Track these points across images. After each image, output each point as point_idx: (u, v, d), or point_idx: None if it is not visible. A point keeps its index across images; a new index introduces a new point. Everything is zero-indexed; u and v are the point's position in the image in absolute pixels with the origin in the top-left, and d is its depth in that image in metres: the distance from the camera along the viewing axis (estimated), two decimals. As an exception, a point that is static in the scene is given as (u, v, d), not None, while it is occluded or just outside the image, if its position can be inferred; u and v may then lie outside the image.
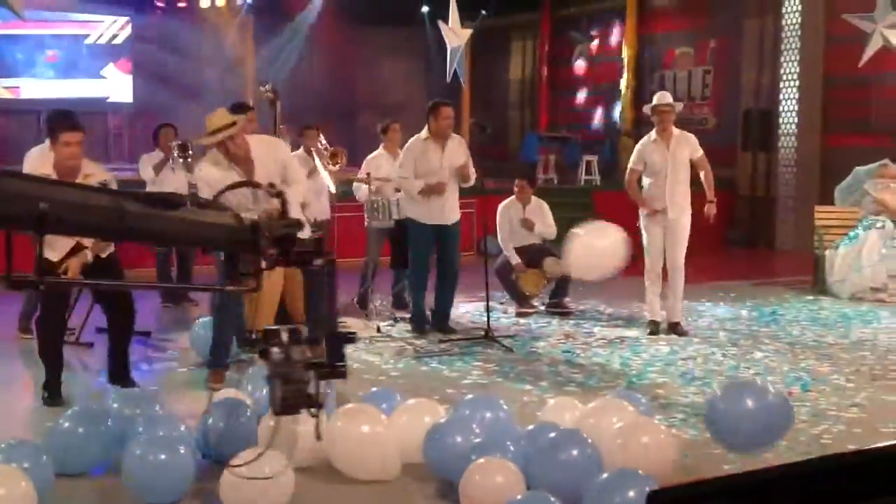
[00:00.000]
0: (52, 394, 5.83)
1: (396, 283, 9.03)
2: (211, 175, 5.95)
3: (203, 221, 2.73)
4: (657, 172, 7.79)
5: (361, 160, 9.10)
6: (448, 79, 14.19)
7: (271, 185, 5.82)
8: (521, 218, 8.95)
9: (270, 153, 6.10)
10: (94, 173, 5.65)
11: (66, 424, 4.60)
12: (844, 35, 13.66)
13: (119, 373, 6.05)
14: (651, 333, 7.83)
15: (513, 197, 9.15)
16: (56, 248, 5.52)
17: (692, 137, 7.95)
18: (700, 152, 7.91)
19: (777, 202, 14.54)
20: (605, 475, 3.87)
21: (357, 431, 4.51)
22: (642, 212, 7.88)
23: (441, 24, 14.22)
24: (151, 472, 4.12)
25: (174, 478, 4.17)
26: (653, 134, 7.91)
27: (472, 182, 7.89)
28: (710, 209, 7.91)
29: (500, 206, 9.12)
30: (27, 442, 4.42)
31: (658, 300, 7.94)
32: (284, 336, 2.83)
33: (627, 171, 8.11)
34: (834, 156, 13.60)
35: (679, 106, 8.10)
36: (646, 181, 7.92)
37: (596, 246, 6.72)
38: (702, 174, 7.95)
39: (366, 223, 8.71)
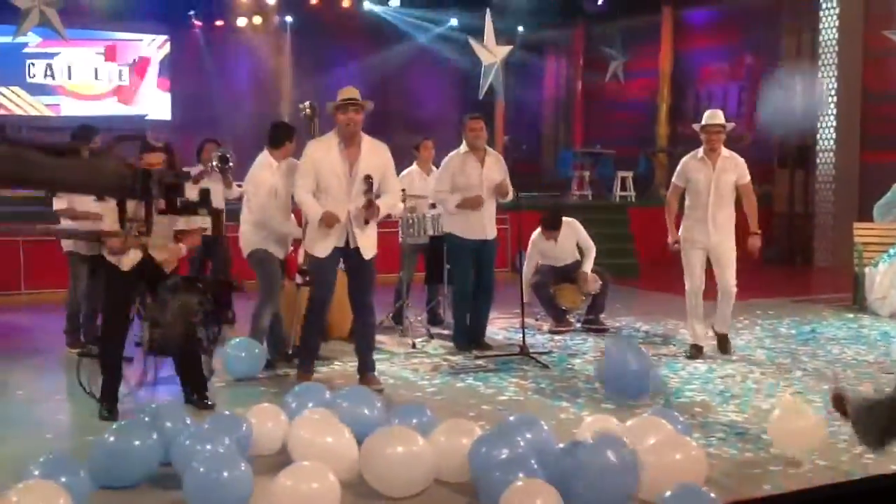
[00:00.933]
0: (109, 408, 5.85)
1: (431, 299, 9.05)
2: (314, 153, 6.49)
3: (96, 168, 2.82)
4: (699, 192, 7.54)
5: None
6: (480, 96, 14.17)
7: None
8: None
9: (378, 154, 6.56)
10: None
11: (110, 438, 4.64)
12: (883, 50, 13.56)
13: (192, 392, 6.06)
14: (690, 357, 7.60)
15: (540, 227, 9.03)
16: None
17: (741, 162, 7.62)
18: (747, 179, 7.59)
19: (815, 219, 14.41)
20: (668, 493, 3.86)
21: (392, 451, 4.52)
22: (682, 229, 7.66)
23: (472, 41, 14.16)
24: (214, 487, 4.16)
25: (236, 494, 4.21)
26: (699, 151, 7.63)
27: (510, 197, 7.91)
28: (755, 242, 7.58)
29: (532, 238, 8.94)
30: (65, 457, 4.47)
31: (701, 324, 7.69)
32: (175, 283, 2.95)
33: (671, 187, 7.90)
34: (872, 172, 13.45)
35: (730, 126, 7.72)
36: (687, 200, 7.71)
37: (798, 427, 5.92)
38: (745, 203, 7.65)
39: (400, 239, 8.73)
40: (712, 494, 3.89)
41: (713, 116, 7.67)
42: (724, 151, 7.60)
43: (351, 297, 6.70)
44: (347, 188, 6.39)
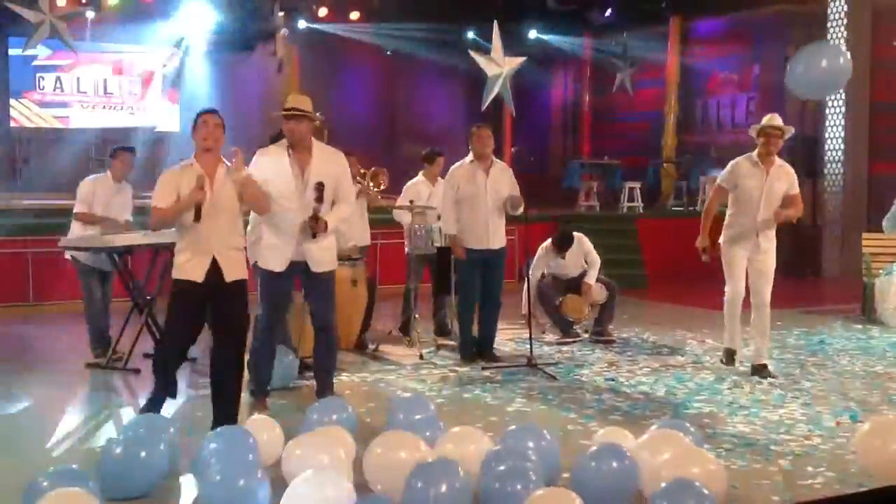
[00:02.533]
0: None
1: (438, 309, 9.04)
2: (262, 164, 6.08)
3: None
4: (749, 200, 7.25)
5: (402, 187, 9.16)
6: (483, 107, 14.09)
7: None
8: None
9: (332, 162, 6.17)
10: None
11: (117, 450, 4.64)
12: (891, 61, 13.56)
13: (222, 415, 5.68)
14: (726, 363, 7.46)
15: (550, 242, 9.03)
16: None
17: (792, 171, 7.36)
18: (796, 189, 7.35)
19: (823, 229, 14.38)
20: (662, 485, 3.94)
21: (396, 458, 4.52)
22: (725, 235, 7.41)
23: (474, 53, 13.95)
24: (227, 496, 4.14)
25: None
26: (753, 155, 7.29)
27: (521, 209, 7.78)
28: (780, 212, 7.23)
29: (540, 250, 8.92)
30: (73, 468, 4.45)
31: (738, 329, 7.52)
32: None
33: (714, 187, 7.59)
34: (881, 183, 13.45)
35: (790, 130, 7.32)
36: (732, 206, 7.39)
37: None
38: (790, 207, 7.33)
39: (406, 249, 8.74)
40: (706, 490, 3.88)
41: (772, 119, 7.33)
42: (777, 160, 7.32)
43: (310, 316, 6.38)
44: (298, 196, 6.02)
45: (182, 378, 7.07)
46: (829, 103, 14.25)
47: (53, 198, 12.74)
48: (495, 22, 13.01)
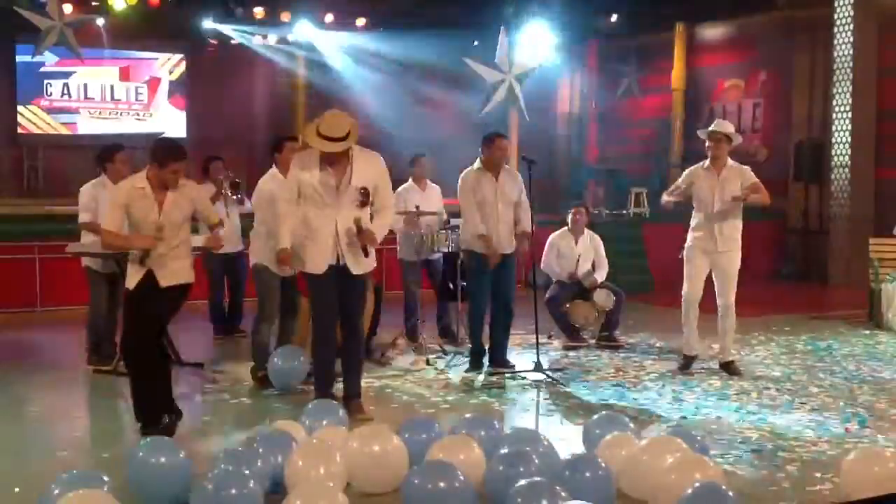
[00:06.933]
0: (147, 422, 5.78)
1: (443, 314, 9.03)
2: (299, 167, 6.11)
3: None
4: (703, 201, 7.53)
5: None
6: (481, 113, 13.99)
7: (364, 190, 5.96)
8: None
9: (371, 165, 6.15)
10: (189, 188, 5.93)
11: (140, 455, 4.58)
12: (898, 66, 13.54)
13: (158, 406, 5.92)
14: (682, 369, 7.65)
15: (565, 228, 9.11)
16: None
17: (746, 169, 7.59)
18: (755, 179, 7.48)
19: (830, 235, 14.34)
20: (688, 491, 3.95)
21: (370, 450, 4.65)
22: (689, 238, 7.66)
23: (469, 61, 13.77)
24: None
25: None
26: (706, 161, 7.66)
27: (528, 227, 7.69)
28: (744, 193, 7.40)
29: (552, 236, 9.11)
30: (88, 473, 4.42)
31: (695, 333, 7.68)
32: None
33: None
34: (887, 188, 13.42)
35: (737, 138, 7.69)
36: (694, 210, 7.66)
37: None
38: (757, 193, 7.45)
39: (398, 256, 8.78)
40: (731, 493, 3.89)
41: (718, 125, 7.67)
42: (730, 162, 7.59)
43: (340, 315, 6.34)
44: (335, 200, 6.02)
45: (187, 383, 7.12)
46: (836, 109, 14.22)
47: (61, 204, 12.77)
48: (502, 28, 13.01)
